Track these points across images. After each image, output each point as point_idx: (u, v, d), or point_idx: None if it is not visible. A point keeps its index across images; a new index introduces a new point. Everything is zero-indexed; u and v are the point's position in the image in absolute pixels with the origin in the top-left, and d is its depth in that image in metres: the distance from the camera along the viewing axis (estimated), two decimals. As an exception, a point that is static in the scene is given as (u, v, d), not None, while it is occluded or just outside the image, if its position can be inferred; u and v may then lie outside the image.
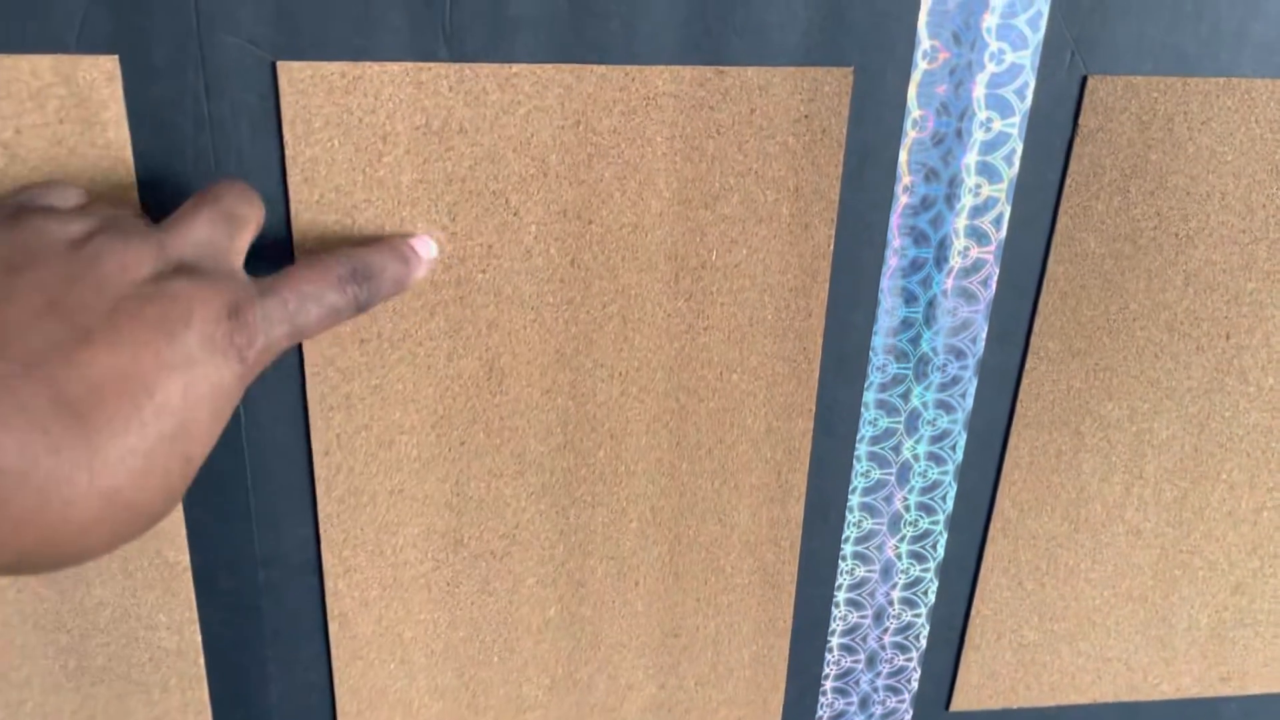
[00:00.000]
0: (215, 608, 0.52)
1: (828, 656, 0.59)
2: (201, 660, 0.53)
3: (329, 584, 0.52)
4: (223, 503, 0.50)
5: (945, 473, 0.55)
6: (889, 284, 0.50)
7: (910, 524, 0.56)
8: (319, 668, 0.54)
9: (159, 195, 0.43)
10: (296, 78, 0.42)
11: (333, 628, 0.53)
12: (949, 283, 0.50)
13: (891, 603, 0.58)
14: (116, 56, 0.41)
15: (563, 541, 0.53)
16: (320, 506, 0.50)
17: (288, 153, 0.43)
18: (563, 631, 0.56)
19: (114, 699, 0.53)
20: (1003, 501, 0.56)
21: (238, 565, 0.51)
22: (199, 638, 0.52)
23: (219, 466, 0.49)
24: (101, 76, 0.41)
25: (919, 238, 0.49)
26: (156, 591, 0.51)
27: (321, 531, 0.51)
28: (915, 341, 0.51)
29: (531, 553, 0.53)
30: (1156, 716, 0.64)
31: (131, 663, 0.52)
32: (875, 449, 0.54)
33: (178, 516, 0.50)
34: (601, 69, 0.44)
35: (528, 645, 0.56)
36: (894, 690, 0.61)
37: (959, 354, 0.52)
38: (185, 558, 0.50)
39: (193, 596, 0.51)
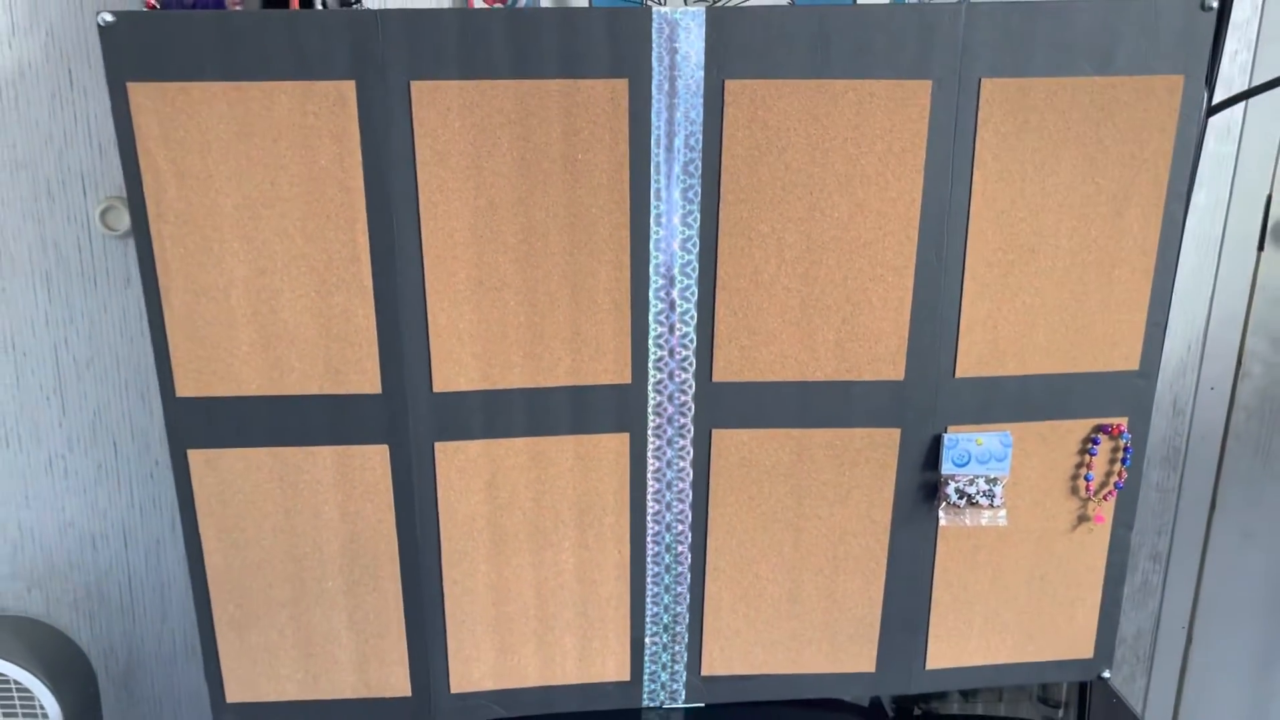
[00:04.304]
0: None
1: (651, 348, 1.28)
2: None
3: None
4: None
5: (694, 257, 1.24)
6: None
7: (679, 283, 1.25)
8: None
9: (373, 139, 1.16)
10: (416, 88, 1.14)
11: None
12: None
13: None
14: (354, 80, 1.13)
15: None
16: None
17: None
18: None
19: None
20: (721, 271, 1.24)
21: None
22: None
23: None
24: (347, 89, 1.13)
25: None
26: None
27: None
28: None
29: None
30: (816, 390, 1.31)
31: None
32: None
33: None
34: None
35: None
36: (684, 370, 1.30)
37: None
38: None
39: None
